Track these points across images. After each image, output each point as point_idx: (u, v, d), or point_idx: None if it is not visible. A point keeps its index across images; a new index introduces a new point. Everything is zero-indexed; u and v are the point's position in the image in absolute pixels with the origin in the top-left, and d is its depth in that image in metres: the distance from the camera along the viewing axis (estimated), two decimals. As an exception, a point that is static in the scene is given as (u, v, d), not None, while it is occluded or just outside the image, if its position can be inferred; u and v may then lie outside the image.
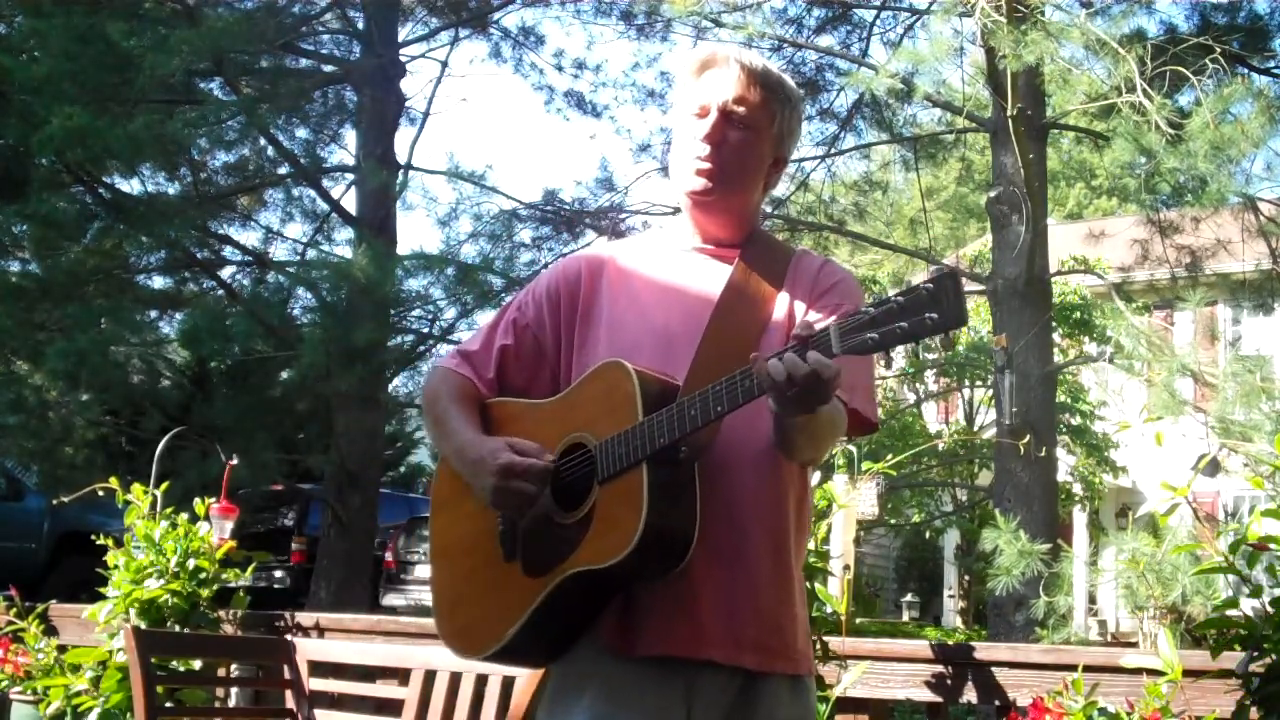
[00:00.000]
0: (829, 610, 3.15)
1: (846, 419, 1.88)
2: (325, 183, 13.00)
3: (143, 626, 4.23)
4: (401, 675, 3.77)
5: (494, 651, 1.94)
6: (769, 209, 13.28)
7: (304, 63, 13.36)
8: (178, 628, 4.39)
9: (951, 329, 1.54)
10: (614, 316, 1.99)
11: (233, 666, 4.48)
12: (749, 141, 1.99)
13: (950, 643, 3.44)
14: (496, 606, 1.92)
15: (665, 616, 1.84)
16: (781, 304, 1.97)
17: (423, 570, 13.52)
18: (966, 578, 19.39)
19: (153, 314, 12.64)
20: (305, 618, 4.50)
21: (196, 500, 4.61)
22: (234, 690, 4.52)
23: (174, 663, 4.26)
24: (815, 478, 3.26)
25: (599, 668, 1.87)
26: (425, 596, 13.03)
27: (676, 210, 2.10)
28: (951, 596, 20.74)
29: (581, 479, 1.87)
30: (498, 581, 1.93)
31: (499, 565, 1.93)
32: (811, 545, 3.16)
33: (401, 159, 12.91)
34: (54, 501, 5.89)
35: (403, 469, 23.33)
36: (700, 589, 1.84)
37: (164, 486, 4.79)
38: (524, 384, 2.06)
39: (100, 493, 4.88)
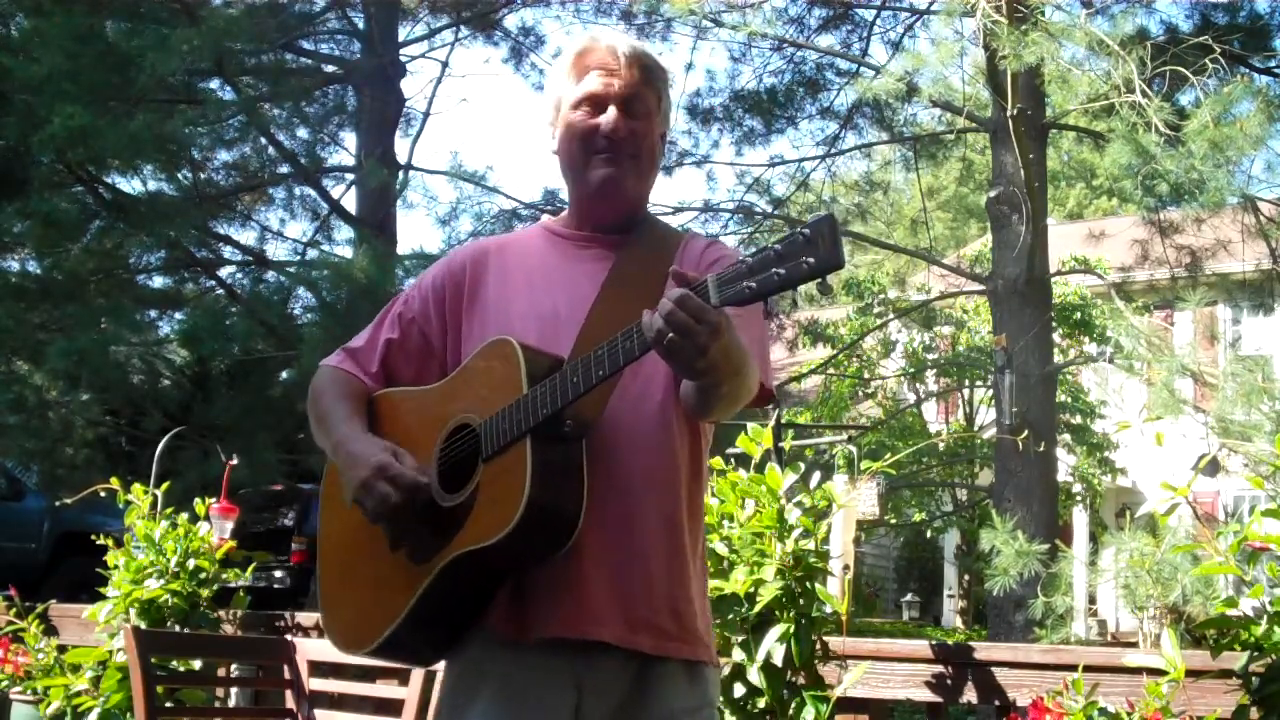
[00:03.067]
0: (829, 610, 3.14)
1: (758, 380, 1.81)
2: (325, 183, 13.02)
3: (143, 626, 4.23)
4: (401, 675, 3.77)
5: (378, 645, 1.88)
6: (769, 209, 13.30)
7: (304, 62, 13.37)
8: (178, 628, 4.39)
9: (828, 272, 1.50)
10: (498, 303, 1.98)
11: (233, 666, 4.48)
12: (647, 129, 1.99)
13: (950, 643, 3.44)
14: (381, 598, 1.86)
15: (554, 598, 1.79)
16: (669, 285, 1.94)
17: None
18: (966, 578, 19.39)
19: (153, 314, 12.65)
20: (305, 618, 4.50)
21: (196, 500, 4.62)
22: (234, 690, 4.52)
23: (174, 663, 4.27)
24: (815, 478, 3.27)
25: (492, 663, 1.83)
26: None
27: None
28: (951, 596, 20.74)
29: (467, 459, 1.82)
30: (383, 573, 1.88)
31: (385, 557, 1.88)
32: (811, 545, 3.16)
33: (401, 159, 12.94)
34: (54, 502, 5.89)
35: (403, 469, 23.33)
36: (591, 569, 1.79)
37: (164, 486, 4.80)
38: (412, 377, 2.03)
39: (100, 493, 4.88)
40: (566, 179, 2.04)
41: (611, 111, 1.95)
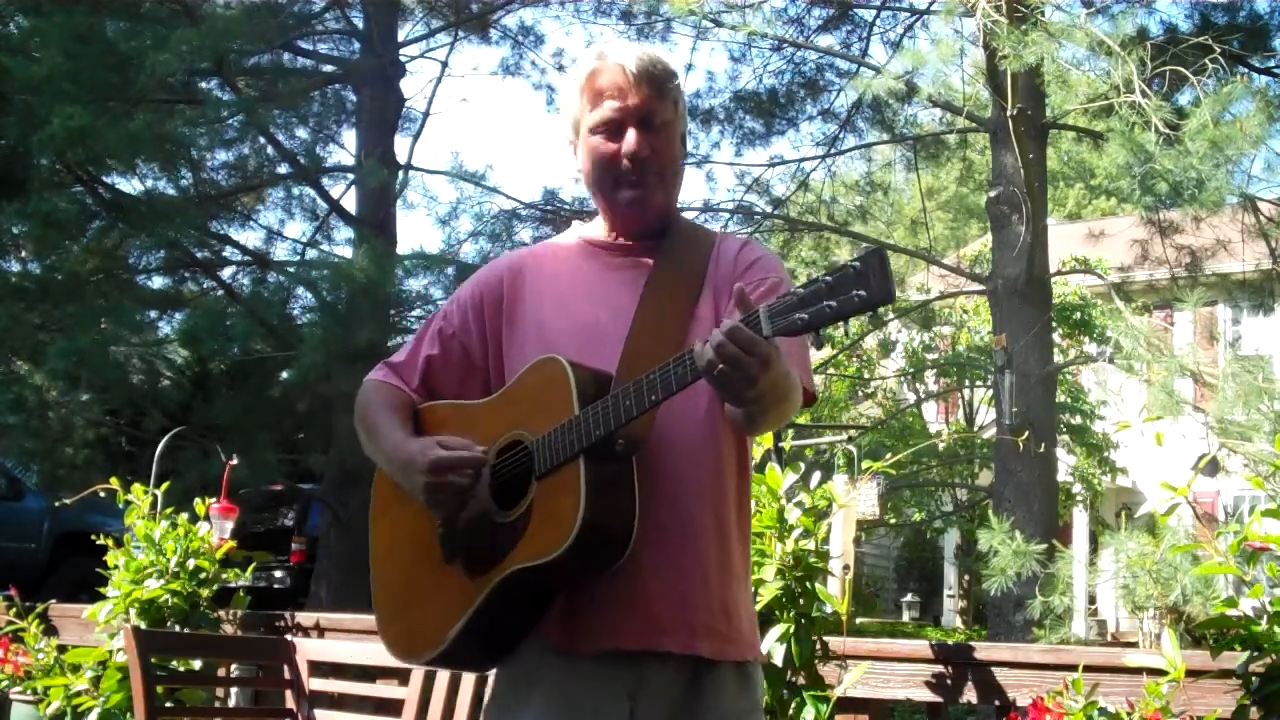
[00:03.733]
0: (829, 610, 3.15)
1: (801, 391, 1.85)
2: (325, 183, 13.01)
3: (143, 626, 4.23)
4: (401, 675, 3.77)
5: (434, 656, 1.93)
6: (769, 209, 13.30)
7: (304, 62, 13.37)
8: (178, 628, 4.39)
9: (879, 306, 1.53)
10: (539, 317, 2.00)
11: (233, 666, 4.48)
12: (669, 142, 1.99)
13: (950, 643, 3.44)
14: (436, 610, 1.90)
15: (613, 611, 1.82)
16: (707, 290, 1.97)
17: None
18: (966, 578, 19.39)
19: (153, 314, 12.63)
20: (305, 618, 4.50)
21: (196, 500, 4.61)
22: (234, 690, 4.52)
23: (174, 663, 4.27)
24: (815, 478, 3.27)
25: (545, 670, 1.86)
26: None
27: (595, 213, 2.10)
28: (951, 596, 20.74)
29: (520, 476, 1.85)
30: (438, 585, 1.91)
31: (439, 568, 1.91)
32: (811, 545, 3.16)
33: (401, 159, 12.93)
34: (54, 502, 5.89)
35: (402, 469, 23.32)
36: (649, 580, 1.82)
37: (164, 486, 4.80)
38: (454, 392, 2.05)
39: (100, 493, 4.88)
40: (595, 198, 2.06)
41: (631, 135, 1.95)
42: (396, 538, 2.03)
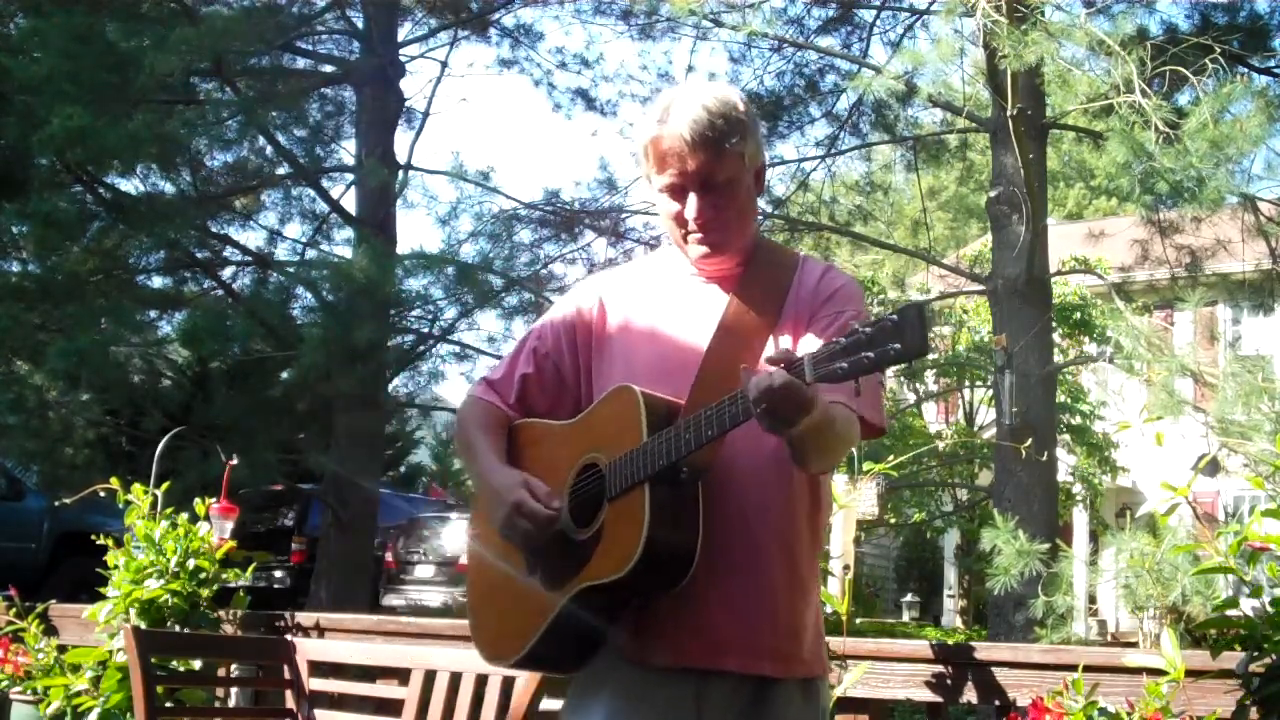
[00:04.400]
0: (829, 610, 3.14)
1: (859, 427, 1.95)
2: (325, 183, 13.01)
3: (143, 626, 4.23)
4: (401, 675, 3.77)
5: (517, 660, 2.08)
6: (769, 208, 13.29)
7: (303, 63, 13.37)
8: (178, 628, 4.39)
9: (913, 359, 1.62)
10: (625, 343, 2.10)
11: (233, 666, 4.48)
12: (733, 195, 2.04)
13: (950, 643, 3.44)
14: (520, 618, 2.04)
15: (679, 629, 1.92)
16: (786, 315, 2.05)
17: (423, 570, 13.53)
18: (966, 578, 19.39)
19: (153, 314, 12.64)
20: (305, 618, 4.50)
21: (196, 500, 4.61)
22: (234, 690, 4.52)
23: (174, 663, 4.26)
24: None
25: (615, 672, 1.97)
26: (425, 596, 13.05)
27: None
28: (951, 596, 20.75)
29: (594, 496, 1.97)
30: (521, 594, 2.04)
31: (524, 578, 2.04)
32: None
33: (401, 159, 12.93)
34: (54, 502, 5.88)
35: (403, 469, 23.34)
36: (713, 601, 1.92)
37: (164, 486, 4.79)
38: (548, 408, 2.17)
39: (100, 493, 4.88)
40: (672, 240, 2.14)
41: (692, 201, 2.03)
42: (489, 546, 2.15)
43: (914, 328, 1.62)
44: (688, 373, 1.99)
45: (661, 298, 2.12)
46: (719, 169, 2.01)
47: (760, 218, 13.77)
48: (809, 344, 1.92)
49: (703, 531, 1.89)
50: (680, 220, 2.05)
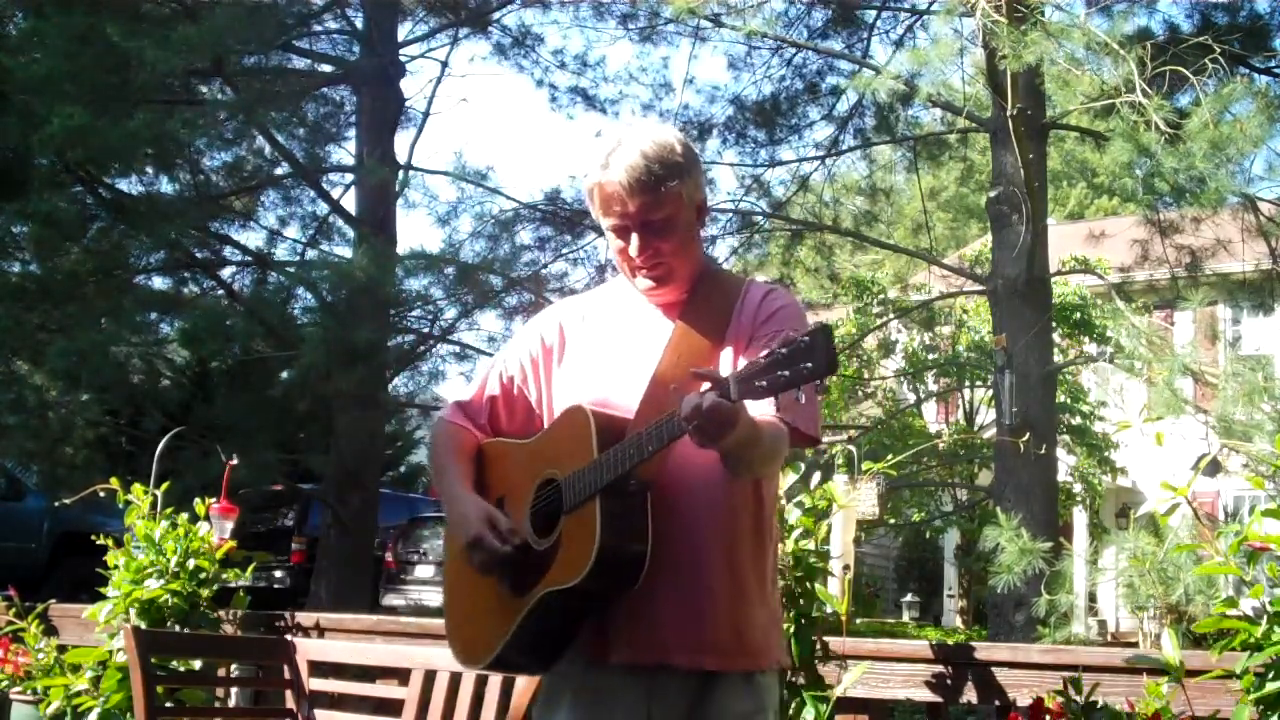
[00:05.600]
0: (829, 610, 3.14)
1: (788, 437, 2.09)
2: (325, 183, 13.01)
3: (143, 626, 4.23)
4: (401, 675, 3.77)
5: (489, 663, 2.26)
6: (769, 209, 13.29)
7: (303, 63, 13.36)
8: (178, 628, 4.39)
9: (823, 377, 1.76)
10: (582, 365, 2.28)
11: (233, 666, 4.48)
12: (673, 231, 2.19)
13: (950, 643, 3.44)
14: (490, 623, 2.19)
15: (632, 628, 2.08)
16: (730, 336, 2.20)
17: (423, 570, 13.53)
18: (966, 578, 19.39)
19: (153, 314, 12.63)
20: (305, 618, 4.50)
21: (196, 500, 4.61)
22: (234, 690, 4.52)
23: (174, 663, 4.26)
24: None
25: (575, 675, 2.14)
26: (425, 596, 13.05)
27: None
28: (951, 596, 20.75)
29: (554, 509, 2.13)
30: (492, 600, 2.20)
31: (493, 586, 2.19)
32: (811, 545, 3.16)
33: (401, 159, 12.93)
34: (54, 502, 5.88)
35: (403, 469, 23.33)
36: (661, 602, 2.07)
37: (164, 486, 4.79)
38: (518, 428, 2.36)
39: (100, 493, 4.87)
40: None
41: (634, 240, 2.18)
42: (460, 556, 2.28)
43: (822, 348, 1.77)
44: (632, 389, 2.15)
45: (615, 323, 2.30)
46: (657, 210, 2.16)
47: (760, 218, 13.76)
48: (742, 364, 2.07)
49: (651, 538, 2.04)
50: (625, 259, 2.21)
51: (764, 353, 1.82)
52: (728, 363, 2.16)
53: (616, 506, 2.04)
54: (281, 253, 13.43)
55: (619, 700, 2.11)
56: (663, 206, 2.16)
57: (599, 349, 2.28)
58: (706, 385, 1.86)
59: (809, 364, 1.77)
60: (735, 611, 2.12)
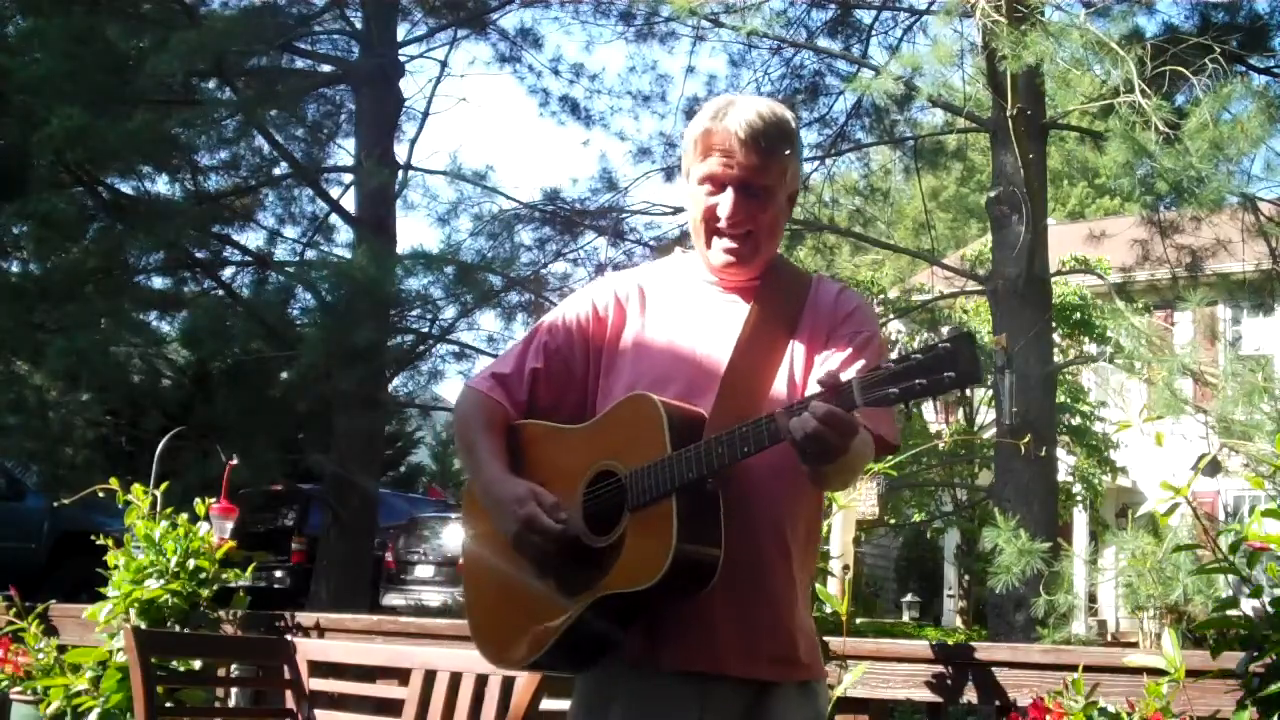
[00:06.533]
0: (829, 610, 3.14)
1: (874, 446, 1.97)
2: (324, 183, 13.01)
3: (143, 626, 4.23)
4: (401, 675, 3.76)
5: (529, 664, 2.09)
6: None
7: (303, 63, 13.37)
8: (178, 628, 4.39)
9: (966, 386, 1.66)
10: (641, 346, 2.09)
11: (233, 666, 4.48)
12: (769, 205, 2.05)
13: (950, 643, 3.44)
14: (531, 622, 2.03)
15: (685, 634, 1.94)
16: (801, 331, 2.06)
17: (423, 570, 13.52)
18: (966, 578, 19.38)
19: (153, 314, 12.64)
20: (305, 618, 4.50)
21: (196, 500, 4.61)
22: (234, 690, 4.51)
23: (174, 663, 4.26)
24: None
25: (624, 681, 1.98)
26: (425, 596, 13.03)
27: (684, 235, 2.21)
28: (951, 596, 20.74)
29: (612, 504, 1.96)
30: (532, 598, 2.03)
31: (534, 582, 2.03)
32: (811, 545, 3.16)
33: (400, 159, 12.93)
34: (54, 502, 5.88)
35: (403, 469, 23.34)
36: (719, 608, 1.94)
37: (164, 486, 4.79)
38: (551, 405, 2.13)
39: (100, 493, 4.87)
40: (695, 242, 2.13)
41: (729, 196, 2.02)
42: (490, 548, 2.12)
43: (967, 356, 1.66)
44: (705, 382, 1.99)
45: (679, 304, 2.12)
46: (762, 174, 2.02)
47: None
48: (830, 361, 1.96)
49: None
50: (711, 216, 2.05)
51: (892, 357, 1.72)
52: (800, 358, 2.03)
53: (692, 507, 1.89)
54: (281, 253, 13.44)
55: (671, 708, 1.96)
56: (768, 173, 2.02)
57: (664, 330, 2.09)
58: (824, 405, 1.72)
59: (951, 373, 1.65)
60: (790, 620, 2.01)
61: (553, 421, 2.12)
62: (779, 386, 1.99)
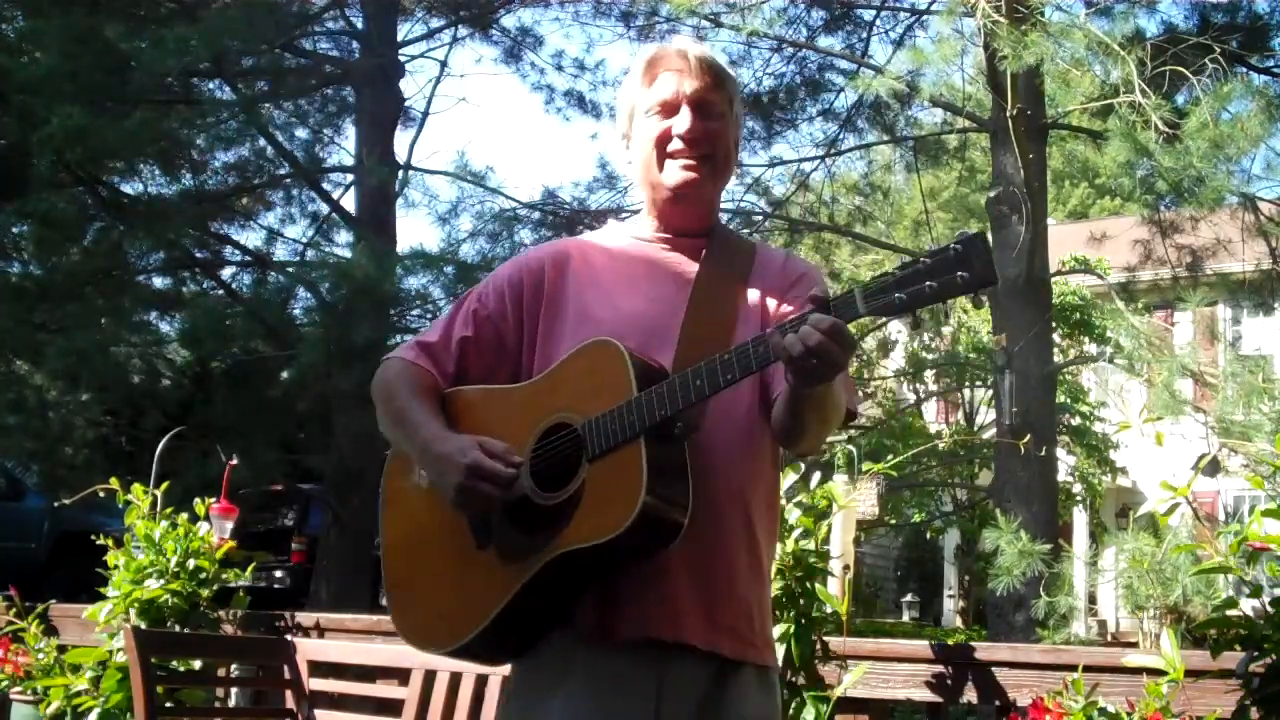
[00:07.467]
0: (829, 610, 3.14)
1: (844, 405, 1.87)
2: (325, 183, 13.01)
3: (143, 626, 4.23)
4: (401, 675, 3.76)
5: (456, 646, 1.91)
6: (769, 208, 13.29)
7: (303, 62, 13.37)
8: (178, 628, 4.39)
9: (982, 288, 1.53)
10: (582, 308, 1.96)
11: (233, 666, 4.48)
12: (722, 129, 1.99)
13: (950, 643, 3.44)
14: (465, 598, 1.87)
15: (643, 600, 1.81)
16: (750, 295, 1.97)
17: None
18: (966, 578, 19.39)
19: (153, 314, 12.64)
20: (305, 618, 4.50)
21: (196, 500, 4.61)
22: (234, 690, 4.51)
23: (174, 663, 4.26)
24: (815, 478, 3.27)
25: (576, 660, 1.84)
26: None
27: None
28: (951, 596, 20.75)
29: (564, 459, 1.82)
30: (466, 572, 1.88)
31: (469, 554, 1.88)
32: (811, 545, 3.16)
33: (401, 159, 12.93)
34: (54, 502, 5.88)
35: (403, 469, 23.30)
36: (678, 573, 1.82)
37: (164, 486, 4.79)
38: (482, 378, 2.01)
39: (100, 493, 4.87)
40: (644, 185, 2.04)
41: (685, 112, 1.96)
42: (416, 523, 1.99)
43: (981, 256, 1.53)
44: (658, 341, 1.88)
45: (621, 266, 2.01)
46: (716, 94, 1.97)
47: (760, 218, 13.74)
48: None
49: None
50: (666, 138, 1.96)
51: (899, 264, 1.60)
52: (754, 321, 1.92)
53: (662, 452, 1.73)
54: (281, 253, 13.44)
55: (628, 686, 1.81)
56: (721, 96, 1.97)
57: (607, 292, 1.97)
58: (822, 317, 1.60)
59: (964, 273, 1.53)
60: (750, 592, 1.89)
61: None
62: (738, 342, 1.80)
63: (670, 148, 1.97)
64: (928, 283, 1.56)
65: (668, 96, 1.97)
